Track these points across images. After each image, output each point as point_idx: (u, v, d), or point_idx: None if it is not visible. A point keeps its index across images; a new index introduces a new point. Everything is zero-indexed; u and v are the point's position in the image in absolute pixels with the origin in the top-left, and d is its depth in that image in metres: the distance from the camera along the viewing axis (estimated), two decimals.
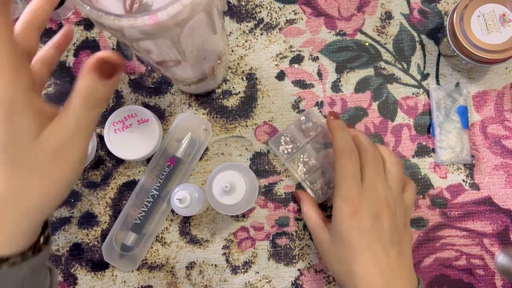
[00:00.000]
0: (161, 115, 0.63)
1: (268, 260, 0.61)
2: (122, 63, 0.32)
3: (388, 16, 0.63)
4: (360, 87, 0.63)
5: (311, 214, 0.55)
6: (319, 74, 0.63)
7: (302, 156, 0.60)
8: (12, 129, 0.30)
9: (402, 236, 0.49)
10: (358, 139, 0.52)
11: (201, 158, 0.62)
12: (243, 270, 0.61)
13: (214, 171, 0.54)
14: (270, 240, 0.61)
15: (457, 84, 0.62)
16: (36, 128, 0.32)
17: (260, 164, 0.62)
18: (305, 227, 0.61)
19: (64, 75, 0.64)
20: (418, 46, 0.63)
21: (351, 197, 0.48)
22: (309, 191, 0.59)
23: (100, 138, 0.62)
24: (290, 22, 0.64)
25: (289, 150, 0.60)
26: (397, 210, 0.50)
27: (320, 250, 0.53)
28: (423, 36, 0.63)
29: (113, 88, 0.32)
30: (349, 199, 0.48)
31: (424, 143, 0.61)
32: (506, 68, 0.62)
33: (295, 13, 0.64)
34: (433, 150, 0.61)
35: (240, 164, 0.55)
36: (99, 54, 0.30)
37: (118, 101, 0.64)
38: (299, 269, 0.61)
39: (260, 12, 0.64)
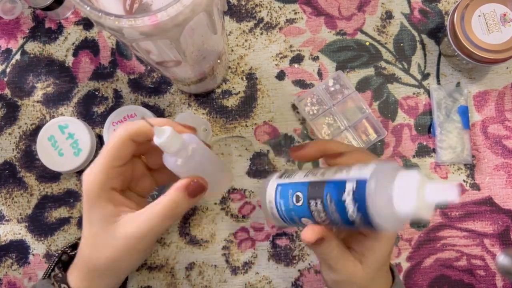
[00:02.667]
0: (160, 115, 0.63)
1: (268, 260, 0.61)
2: (207, 186, 0.40)
3: (388, 15, 0.63)
4: (361, 86, 0.62)
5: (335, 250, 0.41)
6: (319, 73, 0.63)
7: (327, 118, 0.60)
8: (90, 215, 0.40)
9: None
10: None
11: None
12: (243, 271, 0.61)
13: None
14: (270, 240, 0.61)
15: (458, 84, 0.62)
16: (111, 216, 0.40)
17: (260, 164, 0.62)
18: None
19: (63, 75, 0.64)
20: (419, 46, 0.63)
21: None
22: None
23: (100, 138, 0.62)
24: (290, 21, 0.63)
25: (315, 111, 0.60)
26: None
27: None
28: (423, 36, 0.63)
29: (191, 205, 0.40)
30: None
31: (424, 143, 0.61)
32: (507, 68, 0.62)
33: (295, 13, 0.64)
34: (434, 150, 0.61)
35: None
36: (193, 179, 0.39)
37: (117, 101, 0.63)
38: (299, 270, 0.60)
39: (260, 11, 0.64)
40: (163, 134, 0.37)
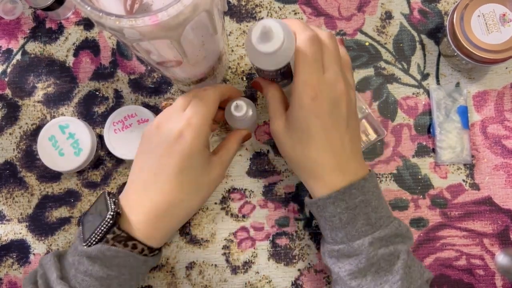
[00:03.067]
0: None
1: (268, 260, 0.61)
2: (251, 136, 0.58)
3: (388, 16, 0.63)
4: (360, 86, 0.62)
5: (275, 98, 0.51)
6: None
7: None
8: (192, 161, 0.48)
9: (355, 122, 0.49)
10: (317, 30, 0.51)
11: None
12: (243, 270, 0.61)
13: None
14: (270, 240, 0.61)
15: (457, 84, 0.62)
16: (205, 162, 0.49)
17: (260, 164, 0.62)
18: (305, 227, 0.61)
19: (64, 75, 0.64)
20: (418, 46, 0.63)
21: (311, 82, 0.45)
22: None
23: (100, 138, 0.62)
24: None
25: None
26: (351, 94, 0.49)
27: (275, 136, 0.51)
28: (423, 36, 0.63)
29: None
30: (310, 84, 0.45)
31: (424, 143, 0.61)
32: (506, 68, 0.62)
33: (295, 13, 0.64)
34: (433, 150, 0.61)
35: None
36: (246, 132, 0.56)
37: (118, 101, 0.63)
38: (299, 269, 0.61)
39: (260, 12, 0.64)
40: (241, 109, 0.53)
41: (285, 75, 0.54)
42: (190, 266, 0.61)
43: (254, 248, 0.61)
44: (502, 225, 0.60)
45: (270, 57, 0.48)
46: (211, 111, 0.49)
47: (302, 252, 0.61)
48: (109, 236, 0.45)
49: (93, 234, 0.45)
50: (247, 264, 0.61)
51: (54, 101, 0.64)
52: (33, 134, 0.63)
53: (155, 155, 0.47)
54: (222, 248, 0.61)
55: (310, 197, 0.51)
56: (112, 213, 0.45)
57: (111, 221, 0.45)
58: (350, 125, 0.48)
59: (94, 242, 0.45)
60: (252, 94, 0.63)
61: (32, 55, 0.64)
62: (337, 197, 0.46)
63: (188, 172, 0.47)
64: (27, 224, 0.62)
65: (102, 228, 0.45)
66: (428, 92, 0.62)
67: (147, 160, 0.48)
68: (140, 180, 0.48)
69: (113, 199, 0.47)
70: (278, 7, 0.64)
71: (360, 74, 0.63)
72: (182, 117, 0.48)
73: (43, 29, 0.65)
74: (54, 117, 0.63)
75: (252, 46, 0.47)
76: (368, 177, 0.48)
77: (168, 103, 0.47)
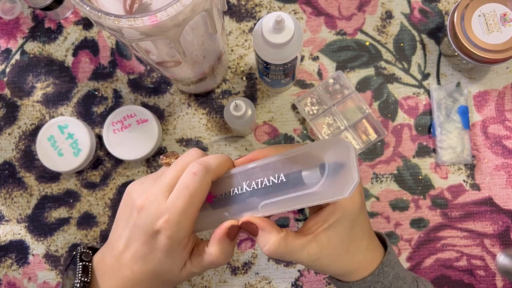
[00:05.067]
0: (160, 115, 0.63)
1: (268, 261, 0.61)
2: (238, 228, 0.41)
3: (388, 15, 0.63)
4: (361, 86, 0.62)
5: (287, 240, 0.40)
6: (319, 73, 0.63)
7: (327, 118, 0.60)
8: (171, 260, 0.41)
9: None
10: None
11: None
12: (242, 271, 0.61)
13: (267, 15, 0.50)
14: None
15: (458, 84, 0.62)
16: (183, 263, 0.42)
17: None
18: None
19: (63, 75, 0.64)
20: (419, 46, 0.63)
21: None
22: None
23: (99, 138, 0.62)
24: None
25: (315, 111, 0.60)
26: None
27: (308, 264, 0.42)
28: (423, 36, 0.63)
29: (233, 247, 0.41)
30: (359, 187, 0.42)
31: (424, 143, 0.61)
32: (507, 68, 0.62)
33: (295, 13, 0.63)
34: (434, 150, 0.61)
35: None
36: (230, 224, 0.40)
37: (117, 101, 0.63)
38: (299, 270, 0.60)
39: (260, 11, 0.64)
40: (241, 109, 0.53)
41: (288, 72, 0.54)
42: None
43: (254, 249, 0.61)
44: (502, 226, 0.60)
45: (279, 49, 0.48)
46: (195, 203, 0.39)
47: None
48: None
49: None
50: (247, 265, 0.61)
51: (53, 101, 0.63)
52: (32, 134, 0.63)
53: (132, 234, 0.42)
54: None
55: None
56: (77, 285, 0.42)
57: None
58: None
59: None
60: (251, 94, 0.63)
61: (31, 55, 0.64)
62: (373, 280, 0.42)
63: (157, 278, 0.42)
64: (26, 224, 0.62)
65: None
66: (428, 92, 0.62)
67: (124, 230, 0.43)
68: (115, 248, 0.43)
69: (83, 263, 0.43)
70: (278, 6, 0.64)
71: (360, 74, 0.62)
72: (161, 208, 0.39)
73: (42, 28, 0.65)
74: (53, 117, 0.63)
75: (262, 38, 0.47)
76: (389, 249, 0.44)
77: (169, 160, 0.43)
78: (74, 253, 0.44)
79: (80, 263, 0.43)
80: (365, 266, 0.42)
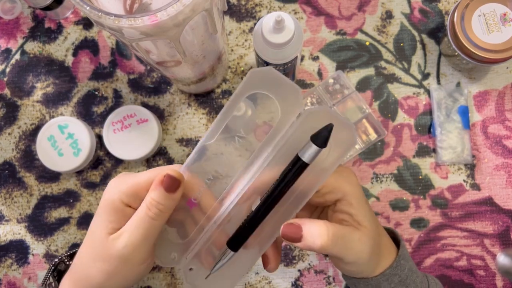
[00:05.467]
0: (160, 115, 0.63)
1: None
2: (183, 179, 0.39)
3: (388, 15, 0.63)
4: (361, 86, 0.62)
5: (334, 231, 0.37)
6: (319, 73, 0.63)
7: None
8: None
9: None
10: None
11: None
12: None
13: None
14: None
15: (458, 84, 0.62)
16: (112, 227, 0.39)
17: None
18: None
19: (63, 74, 0.64)
20: (419, 46, 0.63)
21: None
22: None
23: (99, 138, 0.62)
24: None
25: None
26: None
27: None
28: (423, 36, 0.63)
29: (175, 202, 0.38)
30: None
31: (425, 143, 0.61)
32: (507, 67, 0.62)
33: (295, 12, 0.63)
34: (434, 150, 0.61)
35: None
36: (165, 171, 0.38)
37: (117, 101, 0.63)
38: (299, 270, 0.60)
39: (260, 11, 0.64)
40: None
41: (288, 72, 0.54)
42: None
43: None
44: (503, 226, 0.60)
45: (279, 49, 0.48)
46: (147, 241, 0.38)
47: (302, 253, 0.60)
48: (48, 281, 0.44)
49: None
50: None
51: (53, 101, 0.63)
52: (32, 134, 0.63)
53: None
54: None
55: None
56: (57, 259, 0.45)
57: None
58: None
59: (43, 284, 0.45)
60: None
61: (31, 55, 0.64)
62: (391, 273, 0.42)
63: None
64: (26, 224, 0.62)
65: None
66: (428, 92, 0.62)
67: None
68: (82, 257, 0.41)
69: (50, 282, 0.44)
70: (278, 6, 0.64)
71: (360, 73, 0.62)
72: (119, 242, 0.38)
73: (42, 28, 0.65)
74: (53, 117, 0.63)
75: (262, 38, 0.48)
76: (402, 243, 0.44)
77: None
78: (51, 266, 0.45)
79: (50, 279, 0.44)
80: (383, 259, 0.42)
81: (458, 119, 0.60)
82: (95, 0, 0.41)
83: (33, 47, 0.64)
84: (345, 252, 0.37)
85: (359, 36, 0.63)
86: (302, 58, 0.63)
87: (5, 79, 0.64)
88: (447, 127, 0.60)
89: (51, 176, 0.63)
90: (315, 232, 0.35)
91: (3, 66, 0.64)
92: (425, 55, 0.62)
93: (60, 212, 0.62)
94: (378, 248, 0.40)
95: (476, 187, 0.60)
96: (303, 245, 0.36)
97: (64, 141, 0.58)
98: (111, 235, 0.38)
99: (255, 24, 0.63)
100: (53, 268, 0.45)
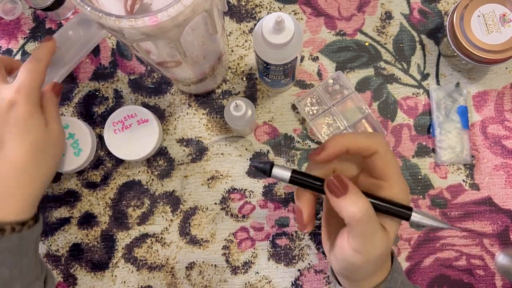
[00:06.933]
0: (160, 115, 0.63)
1: (268, 260, 0.61)
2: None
3: (388, 16, 0.63)
4: (360, 87, 0.62)
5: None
6: (319, 74, 0.63)
7: (327, 118, 0.61)
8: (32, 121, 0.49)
9: None
10: None
11: (201, 158, 0.62)
12: (243, 271, 0.61)
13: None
14: (270, 240, 0.61)
15: (457, 84, 0.62)
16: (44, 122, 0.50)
17: None
18: None
19: None
20: (418, 46, 0.63)
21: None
22: None
23: (100, 138, 0.62)
24: None
25: (315, 111, 0.60)
26: None
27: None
28: (423, 36, 0.63)
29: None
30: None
31: (424, 143, 0.61)
32: (506, 68, 0.62)
33: (295, 13, 0.64)
34: (433, 150, 0.61)
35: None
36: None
37: (117, 101, 0.63)
38: (299, 270, 0.61)
39: (260, 12, 0.64)
40: (241, 109, 0.53)
41: (288, 72, 0.54)
42: (190, 266, 0.61)
43: (254, 249, 0.61)
44: (502, 225, 0.60)
45: (279, 49, 0.48)
46: (37, 74, 0.50)
47: (302, 252, 0.61)
48: None
49: None
50: (247, 265, 0.61)
51: None
52: None
53: None
54: (222, 249, 0.61)
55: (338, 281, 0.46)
56: None
57: None
58: None
59: None
60: (252, 94, 0.63)
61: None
62: (385, 286, 0.41)
63: (28, 137, 0.48)
64: None
65: None
66: (428, 92, 0.62)
67: None
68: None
69: None
70: (278, 7, 0.64)
71: (360, 74, 0.63)
72: (10, 87, 0.49)
73: (43, 29, 0.65)
74: None
75: (262, 38, 0.48)
76: (395, 255, 0.43)
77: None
78: None
79: None
80: (379, 271, 0.41)
81: (457, 119, 0.60)
82: (95, 0, 0.41)
83: (34, 47, 0.65)
84: (362, 239, 0.37)
85: (359, 36, 0.63)
86: (302, 58, 0.63)
87: None
88: (446, 127, 0.60)
89: None
90: (357, 200, 0.36)
91: None
92: (424, 55, 0.63)
93: (61, 212, 0.62)
94: (386, 256, 0.41)
95: (475, 187, 0.61)
96: (337, 203, 0.36)
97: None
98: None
99: (255, 24, 0.64)
100: None
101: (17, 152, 0.47)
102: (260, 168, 0.39)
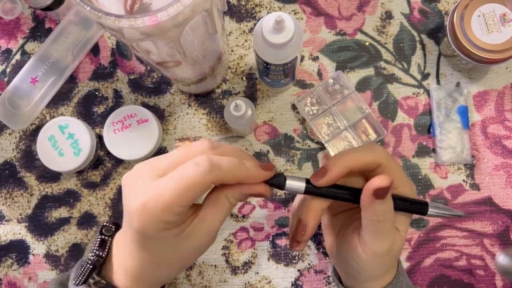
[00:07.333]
0: (160, 115, 0.63)
1: (268, 260, 0.61)
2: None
3: (388, 15, 0.63)
4: (361, 87, 0.62)
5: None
6: (319, 74, 0.63)
7: (327, 118, 0.60)
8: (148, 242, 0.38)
9: None
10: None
11: None
12: (243, 271, 0.61)
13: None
14: (270, 240, 0.61)
15: (458, 84, 0.62)
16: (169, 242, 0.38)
17: None
18: None
19: None
20: (419, 46, 0.63)
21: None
22: (331, 152, 0.60)
23: (100, 138, 0.62)
24: None
25: (315, 111, 0.60)
26: None
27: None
28: (423, 36, 0.63)
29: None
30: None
31: (424, 143, 0.61)
32: (507, 68, 0.62)
33: (295, 13, 0.64)
34: (434, 150, 0.61)
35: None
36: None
37: (117, 101, 0.63)
38: (299, 270, 0.60)
39: (260, 11, 0.64)
40: (241, 109, 0.53)
41: (288, 72, 0.54)
42: (190, 266, 0.61)
43: (254, 249, 0.61)
44: (502, 226, 0.60)
45: (279, 49, 0.48)
46: (183, 198, 0.35)
47: (302, 253, 0.61)
48: (91, 280, 0.40)
49: (79, 275, 0.41)
50: (247, 265, 0.61)
51: (53, 101, 0.64)
52: (33, 134, 0.63)
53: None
54: (222, 249, 0.61)
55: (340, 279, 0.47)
56: (91, 257, 0.41)
57: (90, 266, 0.40)
58: None
59: (79, 283, 0.41)
60: (251, 94, 0.63)
61: (32, 55, 0.64)
62: None
63: (147, 251, 0.39)
64: (27, 224, 0.62)
65: (83, 270, 0.40)
66: (428, 92, 0.62)
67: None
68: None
69: (102, 237, 0.41)
70: (278, 7, 0.64)
71: (360, 74, 0.63)
72: (144, 189, 0.36)
73: (43, 29, 0.65)
74: (53, 117, 0.63)
75: (262, 38, 0.48)
76: (399, 259, 0.45)
77: (182, 143, 0.41)
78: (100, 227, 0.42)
79: (99, 237, 0.41)
80: (386, 274, 0.43)
81: (457, 119, 0.60)
82: (95, 0, 0.41)
83: (33, 47, 0.65)
84: (385, 239, 0.39)
85: (359, 36, 0.63)
86: (302, 58, 0.63)
87: (6, 79, 0.64)
88: (446, 127, 0.60)
89: (51, 176, 0.63)
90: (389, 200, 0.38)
91: (3, 67, 0.64)
92: (424, 55, 0.63)
93: (60, 212, 0.62)
94: (394, 260, 0.42)
95: (475, 187, 0.61)
96: (375, 205, 0.37)
97: (64, 141, 0.58)
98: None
99: (255, 24, 0.63)
100: (90, 265, 0.41)
101: (135, 259, 0.39)
102: (274, 184, 0.39)
